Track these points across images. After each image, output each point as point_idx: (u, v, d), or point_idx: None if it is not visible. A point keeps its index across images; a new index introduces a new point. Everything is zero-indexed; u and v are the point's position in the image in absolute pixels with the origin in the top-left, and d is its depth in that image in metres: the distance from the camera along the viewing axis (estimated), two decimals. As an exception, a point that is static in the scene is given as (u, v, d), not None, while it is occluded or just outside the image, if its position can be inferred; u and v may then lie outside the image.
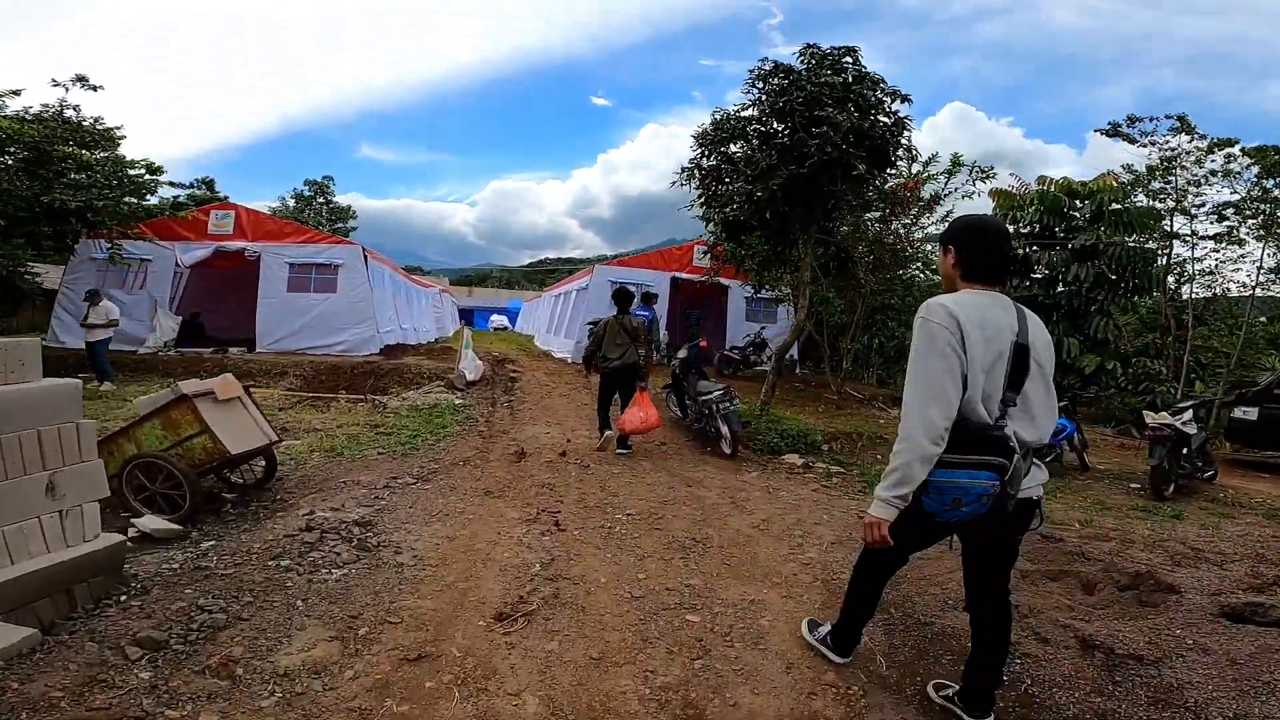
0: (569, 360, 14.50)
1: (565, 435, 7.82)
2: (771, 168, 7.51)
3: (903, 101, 7.81)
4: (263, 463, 5.16)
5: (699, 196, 9.16)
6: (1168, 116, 11.51)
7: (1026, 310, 2.10)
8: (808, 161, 7.20)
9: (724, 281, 15.77)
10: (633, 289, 8.62)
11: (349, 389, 10.38)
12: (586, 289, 14.72)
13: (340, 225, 40.51)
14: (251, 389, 5.18)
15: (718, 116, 8.44)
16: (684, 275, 15.42)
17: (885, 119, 7.76)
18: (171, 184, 23.13)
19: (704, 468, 6.76)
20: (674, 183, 8.93)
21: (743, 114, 8.15)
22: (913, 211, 11.60)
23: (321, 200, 40.59)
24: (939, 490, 1.97)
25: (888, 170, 8.26)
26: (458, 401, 9.50)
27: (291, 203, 39.74)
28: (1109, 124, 12.23)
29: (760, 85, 7.93)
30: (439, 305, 26.12)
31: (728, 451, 7.27)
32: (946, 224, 3.40)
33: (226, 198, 27.56)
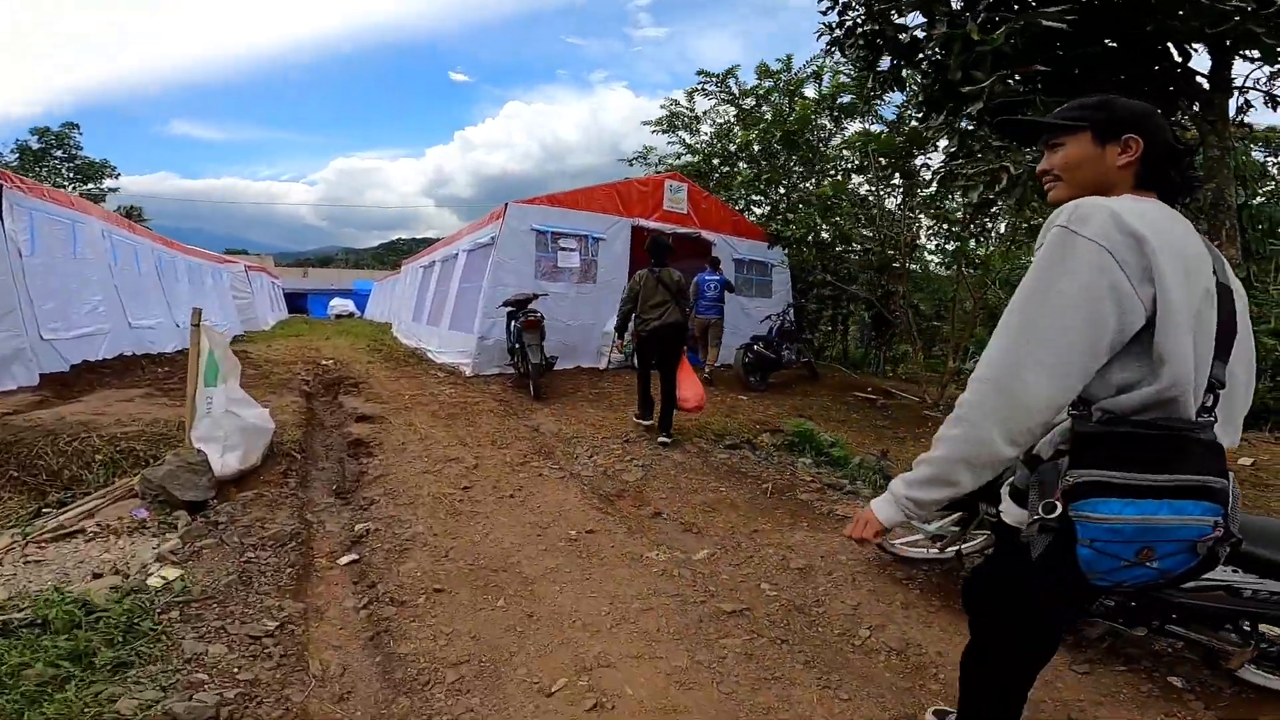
0: (470, 371, 8.18)
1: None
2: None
3: None
4: None
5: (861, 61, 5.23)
6: None
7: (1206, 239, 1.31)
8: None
9: (706, 235, 10.11)
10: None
11: None
12: (493, 243, 8.42)
13: (94, 187, 30.28)
14: None
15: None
16: (650, 224, 9.55)
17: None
18: None
19: None
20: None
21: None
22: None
23: (61, 154, 29.86)
24: (1112, 535, 1.14)
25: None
26: (168, 577, 2.98)
27: (12, 157, 28.72)
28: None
29: None
30: (245, 288, 18.22)
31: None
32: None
33: None
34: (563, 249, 8.77)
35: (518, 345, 7.09)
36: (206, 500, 3.74)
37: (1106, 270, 1.14)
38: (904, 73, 4.65)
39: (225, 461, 3.88)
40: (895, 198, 8.44)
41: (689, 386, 5.42)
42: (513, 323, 7.32)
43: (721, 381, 8.59)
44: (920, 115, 4.94)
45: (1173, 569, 1.18)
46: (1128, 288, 1.14)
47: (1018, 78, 3.35)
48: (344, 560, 3.37)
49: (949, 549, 3.22)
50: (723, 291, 8.96)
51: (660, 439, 5.45)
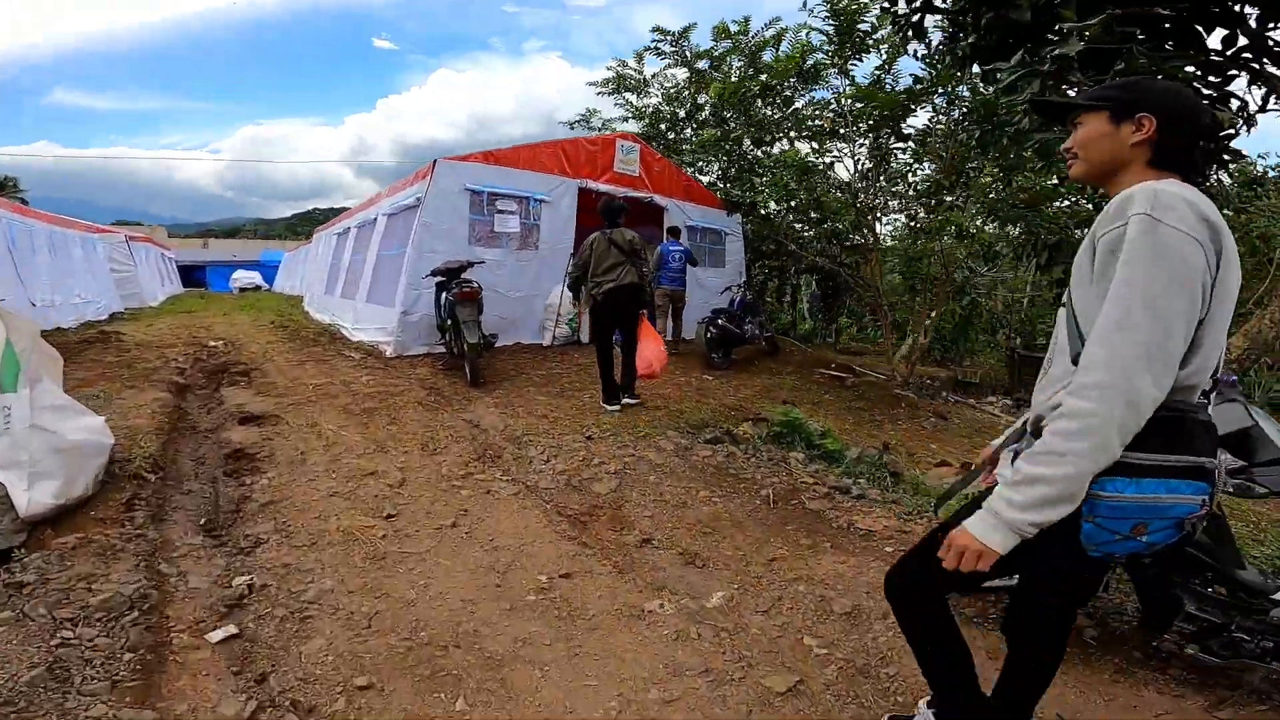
0: (391, 352, 6.98)
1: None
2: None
3: None
4: None
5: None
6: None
7: None
8: None
9: (659, 200, 9.20)
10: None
11: None
12: (419, 205, 7.18)
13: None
14: None
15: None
16: (600, 186, 8.51)
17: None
18: None
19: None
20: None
21: None
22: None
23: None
24: (1116, 512, 1.24)
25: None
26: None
27: None
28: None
29: None
30: (126, 260, 15.91)
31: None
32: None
33: None
34: (501, 212, 7.64)
35: (450, 321, 5.99)
36: (8, 551, 2.59)
37: (1197, 262, 1.15)
38: (926, 19, 3.89)
39: (34, 496, 2.70)
40: (865, 162, 7.76)
41: (650, 348, 5.25)
42: (444, 295, 6.19)
43: (682, 358, 7.75)
44: (951, 64, 4.12)
45: (1160, 542, 1.25)
46: (1209, 279, 1.17)
47: (1120, 21, 2.57)
48: (217, 636, 2.34)
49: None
50: (685, 263, 8.19)
51: (624, 400, 5.34)
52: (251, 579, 2.70)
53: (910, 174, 7.25)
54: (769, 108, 11.23)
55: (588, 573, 2.81)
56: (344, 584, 2.66)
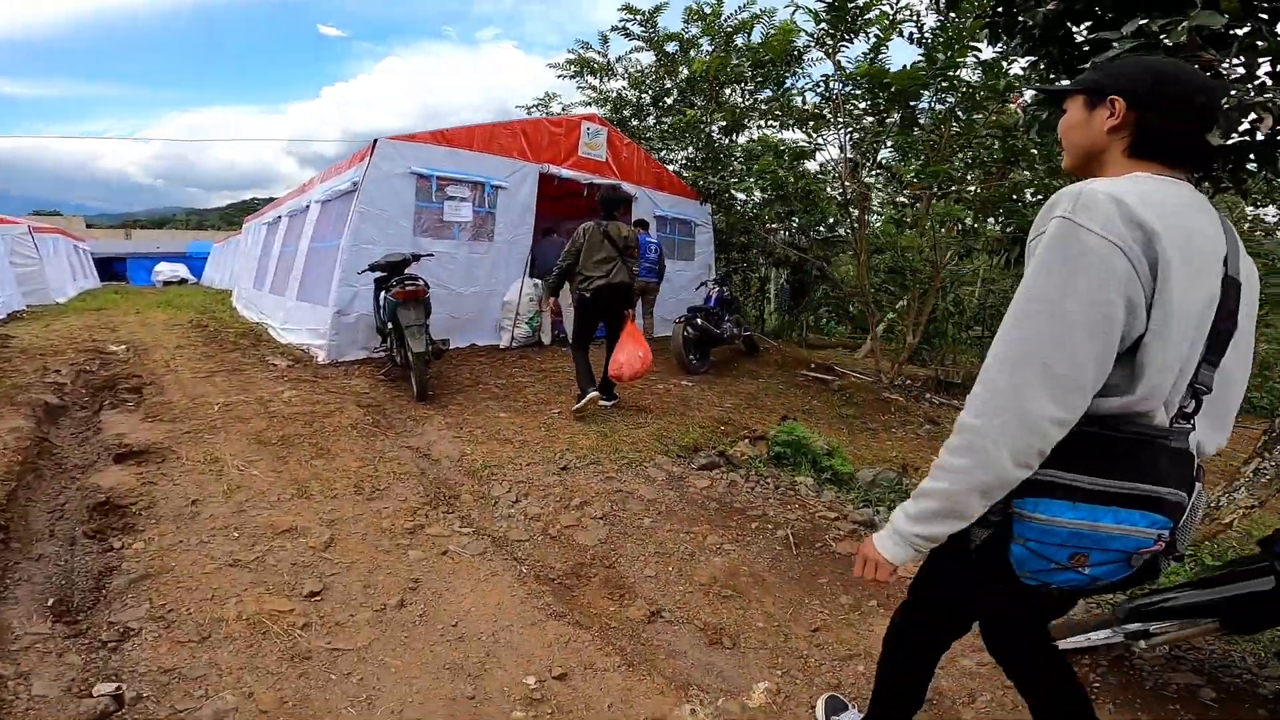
0: (324, 357, 6.06)
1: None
2: None
3: None
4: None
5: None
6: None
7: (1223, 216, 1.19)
8: None
9: (627, 187, 8.47)
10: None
11: None
12: (356, 191, 6.26)
13: None
14: None
15: None
16: (564, 171, 7.74)
17: None
18: None
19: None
20: None
21: None
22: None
23: None
24: (1048, 536, 1.12)
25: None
26: None
27: None
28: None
29: None
30: (30, 254, 14.23)
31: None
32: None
33: None
34: (451, 198, 6.79)
35: (391, 325, 5.14)
36: None
37: (1120, 273, 1.02)
38: None
39: None
40: (849, 152, 7.24)
41: (629, 351, 4.84)
42: (382, 294, 5.34)
43: (655, 360, 7.08)
44: (1022, 37, 3.53)
45: (1104, 577, 1.14)
46: (1139, 293, 1.03)
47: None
48: None
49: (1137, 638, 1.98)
50: (660, 256, 7.58)
51: (602, 401, 5.04)
52: (119, 688, 1.92)
53: (905, 162, 6.74)
54: (736, 94, 10.67)
55: (588, 668, 2.11)
56: (252, 701, 1.90)
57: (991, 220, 7.76)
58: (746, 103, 9.26)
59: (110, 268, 29.75)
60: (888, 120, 6.32)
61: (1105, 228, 1.01)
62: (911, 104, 5.84)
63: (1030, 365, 1.04)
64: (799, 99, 7.20)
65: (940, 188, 6.52)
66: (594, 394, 4.89)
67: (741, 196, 8.65)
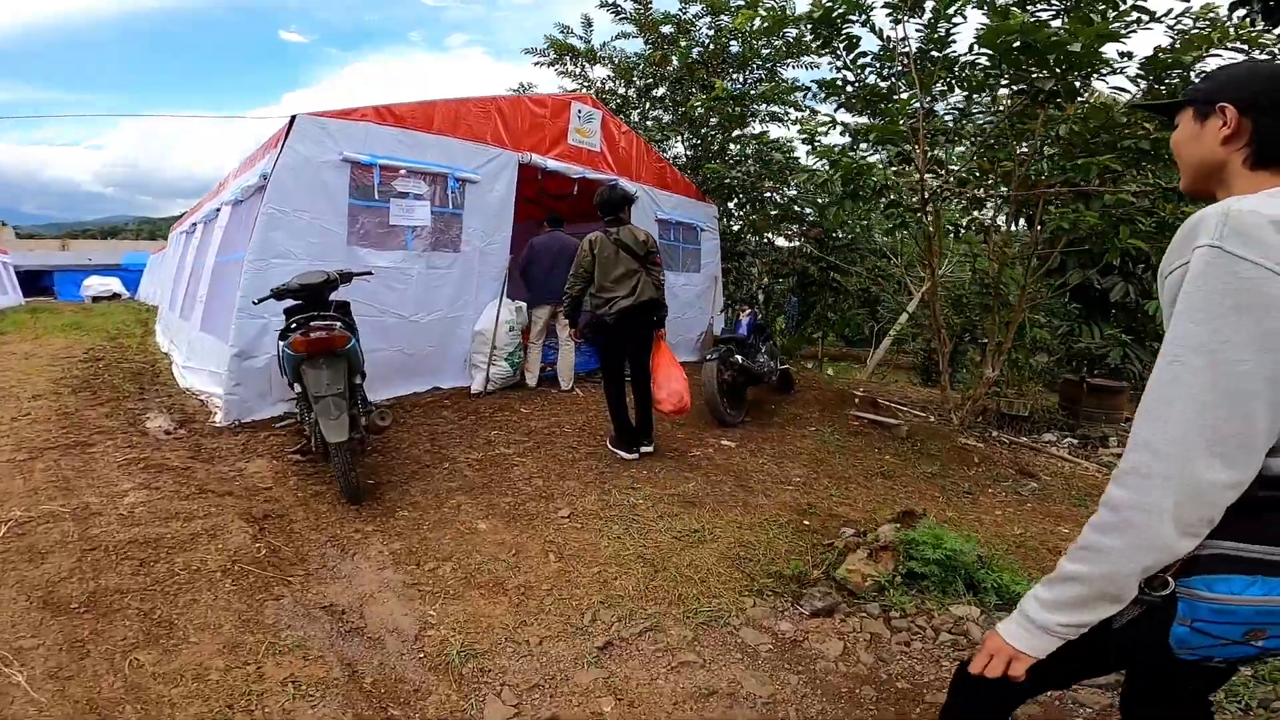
0: (222, 418, 4.27)
1: None
2: None
3: None
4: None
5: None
6: None
7: None
8: None
9: (627, 185, 6.82)
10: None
11: None
12: (266, 185, 4.49)
13: None
14: None
15: None
16: (551, 162, 6.07)
17: None
18: None
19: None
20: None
21: None
22: None
23: None
24: (1224, 616, 0.95)
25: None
26: None
27: None
28: None
29: None
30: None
31: None
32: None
33: None
34: (402, 195, 5.06)
35: (300, 391, 3.35)
36: None
37: (1273, 302, 0.87)
38: None
39: None
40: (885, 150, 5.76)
41: (671, 381, 4.38)
42: (280, 343, 3.51)
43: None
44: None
45: (1275, 649, 1.00)
46: None
47: None
48: None
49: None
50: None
51: (642, 448, 4.42)
52: None
53: (1005, 156, 5.22)
54: (736, 81, 9.19)
55: None
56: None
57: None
58: (758, 89, 7.75)
59: (38, 282, 27.94)
60: (1004, 101, 4.82)
61: (1265, 255, 0.87)
62: (1087, 71, 4.33)
63: (1192, 425, 0.89)
64: (841, 78, 5.61)
65: (1068, 186, 5.02)
66: (647, 448, 4.40)
67: (793, 193, 7.10)
